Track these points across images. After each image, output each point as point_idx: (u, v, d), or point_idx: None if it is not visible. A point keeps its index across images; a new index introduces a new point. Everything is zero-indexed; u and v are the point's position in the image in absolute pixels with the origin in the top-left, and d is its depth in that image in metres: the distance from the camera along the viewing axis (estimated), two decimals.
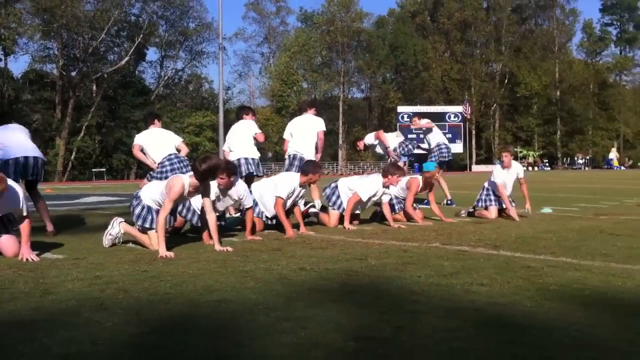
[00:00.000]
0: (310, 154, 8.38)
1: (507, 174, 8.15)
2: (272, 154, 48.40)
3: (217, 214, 5.94)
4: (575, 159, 61.86)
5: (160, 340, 2.63)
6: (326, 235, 6.43)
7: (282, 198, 6.51)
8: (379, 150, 10.23)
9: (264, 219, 6.90)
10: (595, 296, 3.41)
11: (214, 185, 5.74)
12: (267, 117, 53.59)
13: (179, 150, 7.78)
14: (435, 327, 2.79)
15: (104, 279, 3.98)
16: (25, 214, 4.96)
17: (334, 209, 7.36)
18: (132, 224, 5.70)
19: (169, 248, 5.06)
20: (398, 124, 45.23)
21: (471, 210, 8.40)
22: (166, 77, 55.48)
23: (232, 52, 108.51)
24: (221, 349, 2.51)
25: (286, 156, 8.62)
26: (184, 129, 46.57)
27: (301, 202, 6.95)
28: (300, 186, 6.77)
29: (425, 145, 11.23)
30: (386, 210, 7.36)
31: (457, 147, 48.44)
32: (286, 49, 59.40)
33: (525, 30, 67.62)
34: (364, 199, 7.23)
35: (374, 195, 7.31)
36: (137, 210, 5.60)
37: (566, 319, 2.91)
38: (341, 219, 7.20)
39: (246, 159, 8.03)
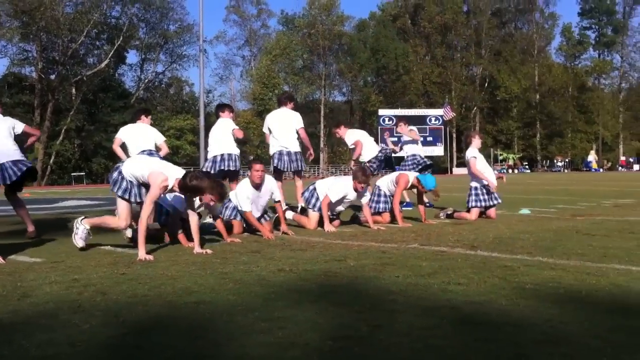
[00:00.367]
0: (296, 147, 8.46)
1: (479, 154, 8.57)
2: (254, 156, 48.29)
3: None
4: (555, 161, 62.62)
5: (137, 340, 2.64)
6: (306, 237, 6.46)
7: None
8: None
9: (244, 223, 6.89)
10: (570, 294, 3.46)
11: None
12: (249, 120, 53.48)
13: (158, 149, 7.72)
14: (412, 325, 2.82)
15: (82, 281, 3.97)
16: None
17: (313, 210, 7.39)
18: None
19: (148, 252, 5.05)
20: (379, 127, 45.27)
21: (449, 212, 8.47)
22: (146, 80, 55.15)
23: (213, 55, 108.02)
24: (199, 349, 2.52)
25: (271, 153, 8.58)
26: (165, 133, 46.10)
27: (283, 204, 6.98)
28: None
29: (399, 150, 11.06)
30: (366, 211, 7.41)
31: (438, 150, 48.75)
32: (267, 52, 59.34)
33: (505, 34, 68.23)
34: (333, 200, 7.26)
35: (345, 197, 7.35)
36: (115, 175, 5.50)
37: (541, 317, 2.95)
38: (321, 222, 7.23)
39: (230, 154, 7.97)
